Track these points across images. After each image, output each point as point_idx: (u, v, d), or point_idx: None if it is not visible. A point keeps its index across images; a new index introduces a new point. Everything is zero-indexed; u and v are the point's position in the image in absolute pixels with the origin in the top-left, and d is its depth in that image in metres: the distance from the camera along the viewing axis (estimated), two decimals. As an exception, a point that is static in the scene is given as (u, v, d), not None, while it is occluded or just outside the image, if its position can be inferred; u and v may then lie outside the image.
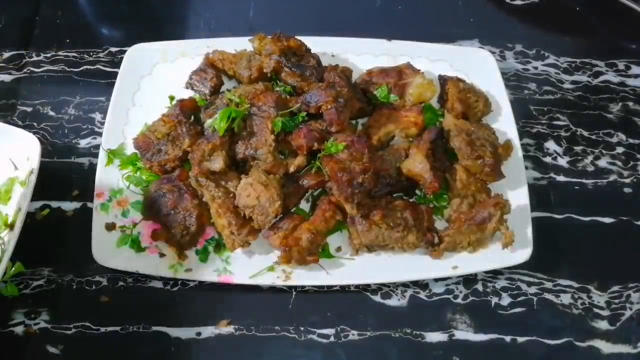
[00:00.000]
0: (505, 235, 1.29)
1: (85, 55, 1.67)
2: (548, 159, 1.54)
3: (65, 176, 1.47)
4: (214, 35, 1.62)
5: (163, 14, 1.79)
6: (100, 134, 1.49)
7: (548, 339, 1.31)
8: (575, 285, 1.37)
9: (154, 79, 1.52)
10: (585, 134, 1.58)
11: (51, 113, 1.57)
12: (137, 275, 1.34)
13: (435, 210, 1.38)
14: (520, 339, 1.31)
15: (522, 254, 1.32)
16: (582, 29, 1.78)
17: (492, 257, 1.32)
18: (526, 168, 1.46)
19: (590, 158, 1.54)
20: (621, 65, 1.70)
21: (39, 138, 1.36)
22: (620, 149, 1.56)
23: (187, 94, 1.47)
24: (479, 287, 1.36)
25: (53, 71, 1.64)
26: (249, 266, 1.31)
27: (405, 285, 1.35)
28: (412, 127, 1.40)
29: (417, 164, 1.32)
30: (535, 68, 1.68)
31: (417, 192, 1.40)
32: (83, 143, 1.52)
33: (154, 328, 1.30)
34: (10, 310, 1.31)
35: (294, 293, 1.33)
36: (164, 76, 1.52)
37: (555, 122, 1.59)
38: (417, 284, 1.35)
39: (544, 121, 1.59)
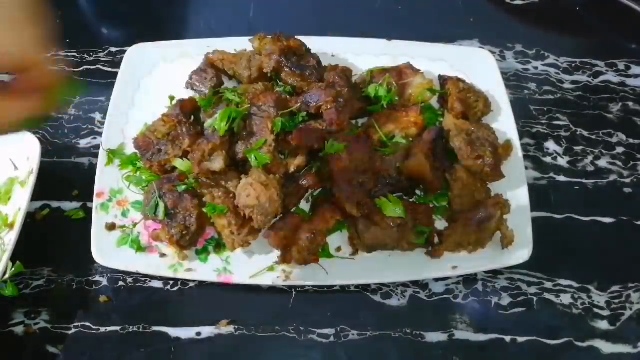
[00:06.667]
0: (505, 235, 1.29)
1: (85, 55, 1.67)
2: (548, 159, 1.54)
3: (65, 176, 1.47)
4: (214, 35, 1.62)
5: (163, 14, 1.79)
6: (100, 134, 1.50)
7: (548, 339, 1.31)
8: (575, 285, 1.37)
9: (154, 79, 1.52)
10: (585, 134, 1.58)
11: (51, 113, 1.56)
12: (137, 275, 1.34)
13: (435, 210, 1.38)
14: (520, 339, 1.31)
15: (522, 254, 1.32)
16: (582, 29, 1.78)
17: (492, 257, 1.33)
18: (526, 168, 1.46)
19: (590, 158, 1.54)
20: (621, 65, 1.70)
21: (39, 138, 1.36)
22: (620, 149, 1.56)
23: (187, 94, 1.48)
24: (479, 287, 1.36)
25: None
26: (249, 266, 1.31)
27: (405, 285, 1.35)
28: (412, 127, 1.40)
29: (417, 164, 1.32)
30: (535, 68, 1.68)
31: (417, 192, 1.40)
32: (83, 143, 1.52)
33: (154, 328, 1.30)
34: (10, 310, 1.31)
35: (294, 293, 1.33)
36: (164, 76, 1.52)
37: (555, 122, 1.59)
38: (417, 284, 1.35)
39: (544, 121, 1.59)
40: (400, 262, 1.32)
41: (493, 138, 1.41)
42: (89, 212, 1.39)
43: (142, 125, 1.44)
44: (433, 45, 1.59)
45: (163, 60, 1.55)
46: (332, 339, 1.29)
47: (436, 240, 1.33)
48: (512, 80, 1.65)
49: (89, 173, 1.42)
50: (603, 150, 1.56)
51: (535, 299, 1.35)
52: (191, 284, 1.34)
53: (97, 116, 1.56)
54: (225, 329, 1.30)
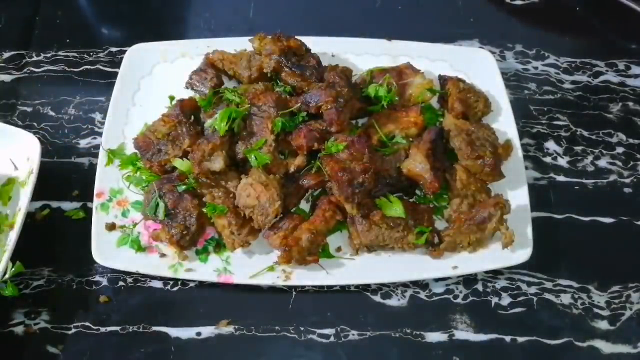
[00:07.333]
0: (505, 235, 1.29)
1: (85, 55, 1.67)
2: (548, 159, 1.54)
3: (65, 176, 1.47)
4: (214, 35, 1.62)
5: (163, 14, 1.79)
6: (100, 134, 1.49)
7: (548, 339, 1.31)
8: (575, 285, 1.37)
9: (154, 79, 1.52)
10: (585, 134, 1.58)
11: (51, 113, 1.57)
12: (137, 275, 1.34)
13: (435, 210, 1.38)
14: (520, 339, 1.31)
15: (522, 254, 1.32)
16: (582, 29, 1.78)
17: (492, 257, 1.32)
18: (526, 168, 1.46)
19: (590, 158, 1.54)
20: (621, 65, 1.70)
21: (39, 138, 1.36)
22: (620, 149, 1.56)
23: (187, 94, 1.48)
24: (479, 287, 1.36)
25: (53, 71, 1.64)
26: (249, 266, 1.31)
27: (405, 285, 1.35)
28: (412, 127, 1.40)
29: (417, 164, 1.32)
30: (535, 68, 1.68)
31: (417, 192, 1.40)
32: (83, 143, 1.52)
33: (154, 328, 1.30)
34: (10, 310, 1.31)
35: (294, 293, 1.33)
36: (164, 76, 1.52)
37: (555, 122, 1.59)
38: (417, 284, 1.35)
39: (544, 121, 1.59)
40: (400, 262, 1.32)
41: (493, 138, 1.41)
42: (89, 212, 1.38)
43: (142, 125, 1.44)
44: (433, 45, 1.59)
45: (163, 60, 1.55)
46: (332, 339, 1.29)
47: (436, 240, 1.33)
48: (512, 80, 1.65)
49: (89, 173, 1.43)
50: (603, 150, 1.56)
51: (535, 299, 1.35)
52: (191, 284, 1.34)
53: (97, 116, 1.56)
54: (225, 329, 1.30)
